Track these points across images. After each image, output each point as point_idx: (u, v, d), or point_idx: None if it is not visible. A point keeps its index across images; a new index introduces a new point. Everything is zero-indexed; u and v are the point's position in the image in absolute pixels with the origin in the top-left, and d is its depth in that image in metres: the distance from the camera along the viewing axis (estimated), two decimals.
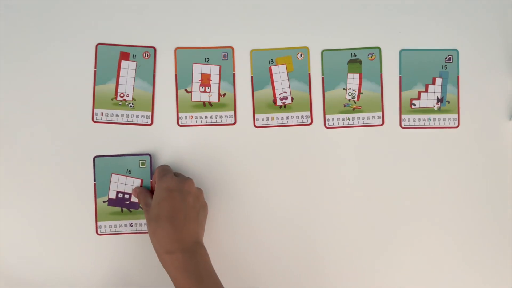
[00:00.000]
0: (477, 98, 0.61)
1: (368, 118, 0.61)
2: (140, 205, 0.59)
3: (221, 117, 0.61)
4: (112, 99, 0.60)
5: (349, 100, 0.61)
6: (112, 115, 0.60)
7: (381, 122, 0.61)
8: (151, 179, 0.60)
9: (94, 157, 0.60)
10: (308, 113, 0.61)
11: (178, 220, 0.52)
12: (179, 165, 0.60)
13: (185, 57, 0.60)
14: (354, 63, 0.61)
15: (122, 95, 0.60)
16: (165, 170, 0.56)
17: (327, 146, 0.61)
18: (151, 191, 0.59)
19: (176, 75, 0.61)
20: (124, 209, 0.60)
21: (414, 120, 0.61)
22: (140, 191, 0.59)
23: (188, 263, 0.51)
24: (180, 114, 0.60)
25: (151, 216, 0.53)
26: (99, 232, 0.60)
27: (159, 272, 0.60)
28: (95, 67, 0.60)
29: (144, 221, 0.60)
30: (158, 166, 0.58)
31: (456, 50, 0.61)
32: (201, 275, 0.51)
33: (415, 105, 0.61)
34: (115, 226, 0.60)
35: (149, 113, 0.60)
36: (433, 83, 0.61)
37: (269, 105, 0.61)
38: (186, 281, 0.50)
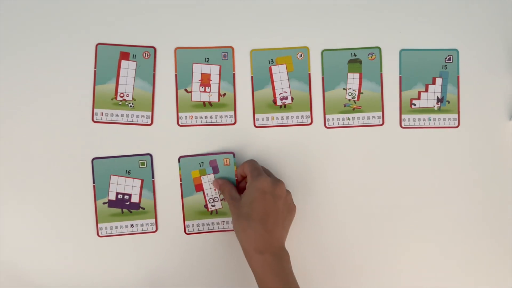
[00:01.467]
0: (477, 98, 0.61)
1: (368, 118, 0.61)
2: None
3: (221, 117, 0.61)
4: (112, 99, 0.60)
5: (349, 100, 0.61)
6: (112, 115, 0.60)
7: (381, 122, 0.61)
8: (153, 178, 0.60)
9: (92, 159, 0.59)
10: (308, 113, 0.61)
11: (268, 223, 0.53)
12: (178, 166, 0.60)
13: (185, 57, 0.60)
14: (354, 63, 0.61)
15: (122, 95, 0.60)
16: (258, 169, 0.56)
17: (327, 146, 0.61)
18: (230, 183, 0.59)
19: (176, 75, 0.60)
20: (125, 210, 0.60)
21: (414, 120, 0.61)
22: (224, 183, 0.58)
23: (276, 266, 0.51)
24: (180, 114, 0.60)
25: (242, 213, 0.54)
26: (100, 234, 0.60)
27: (160, 273, 0.60)
28: (95, 67, 0.60)
29: (144, 221, 0.60)
30: (248, 161, 0.58)
31: (456, 50, 0.61)
32: (288, 279, 0.52)
33: (415, 105, 0.61)
34: (116, 227, 0.60)
35: (149, 113, 0.60)
36: (433, 83, 0.61)
37: (269, 105, 0.61)
38: (274, 283, 0.51)
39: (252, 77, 0.61)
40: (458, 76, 0.61)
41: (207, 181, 0.60)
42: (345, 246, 0.61)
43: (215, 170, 0.60)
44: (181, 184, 0.60)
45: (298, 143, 0.61)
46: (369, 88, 0.61)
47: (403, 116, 0.61)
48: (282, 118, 0.61)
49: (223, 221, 0.60)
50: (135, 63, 0.60)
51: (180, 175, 0.60)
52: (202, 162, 0.60)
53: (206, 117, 0.61)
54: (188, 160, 0.60)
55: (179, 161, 0.60)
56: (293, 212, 0.57)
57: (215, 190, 0.60)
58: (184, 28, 0.60)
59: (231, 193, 0.57)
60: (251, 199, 0.53)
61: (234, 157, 0.60)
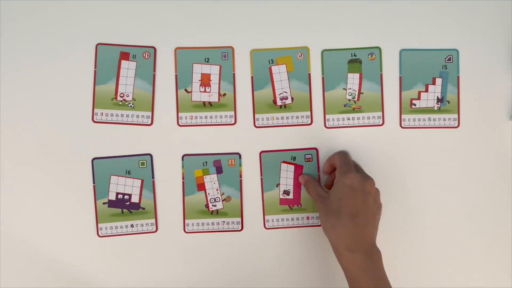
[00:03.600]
0: (477, 98, 0.61)
1: (368, 118, 0.61)
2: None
3: (221, 117, 0.61)
4: (112, 99, 0.60)
5: (349, 100, 0.61)
6: (112, 115, 0.60)
7: (381, 122, 0.61)
8: (153, 178, 0.60)
9: (92, 159, 0.59)
10: (308, 113, 0.61)
11: (359, 220, 0.51)
12: (179, 165, 0.60)
13: (185, 57, 0.60)
14: (354, 63, 0.61)
15: (122, 95, 0.60)
16: (348, 164, 0.55)
17: (327, 146, 0.61)
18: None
19: (176, 75, 0.60)
20: (125, 210, 0.60)
21: (414, 120, 0.61)
22: (309, 179, 0.58)
23: (368, 264, 0.51)
24: (180, 114, 0.60)
25: (331, 210, 0.53)
26: (100, 234, 0.60)
27: (160, 273, 0.60)
28: (95, 67, 0.60)
29: (144, 221, 0.60)
30: (338, 153, 0.57)
31: (456, 50, 0.61)
32: (380, 278, 0.51)
33: (415, 105, 0.61)
34: (116, 227, 0.60)
35: (149, 113, 0.60)
36: (433, 83, 0.61)
37: (269, 105, 0.61)
38: (366, 281, 0.50)
39: (252, 77, 0.61)
40: (458, 76, 0.61)
41: (210, 180, 0.60)
42: None
43: (219, 170, 0.60)
44: (183, 182, 0.60)
45: (298, 143, 0.61)
46: (369, 88, 0.61)
47: (403, 116, 0.61)
48: (282, 118, 0.61)
49: (223, 221, 0.61)
50: (135, 63, 0.60)
51: (182, 173, 0.60)
52: (206, 162, 0.60)
53: (206, 117, 0.61)
54: (192, 159, 0.60)
55: (182, 160, 0.60)
56: (380, 210, 0.55)
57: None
58: (184, 28, 0.60)
59: (317, 190, 0.56)
60: (340, 196, 0.52)
61: (240, 158, 0.60)
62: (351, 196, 0.52)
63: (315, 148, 0.60)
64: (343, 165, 0.55)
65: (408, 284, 0.61)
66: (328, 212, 0.53)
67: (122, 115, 0.60)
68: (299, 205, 0.61)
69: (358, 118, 0.61)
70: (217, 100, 0.61)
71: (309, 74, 0.61)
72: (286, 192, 0.61)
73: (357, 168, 0.57)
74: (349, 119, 0.61)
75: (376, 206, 0.54)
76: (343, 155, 0.56)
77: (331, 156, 0.58)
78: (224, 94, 0.61)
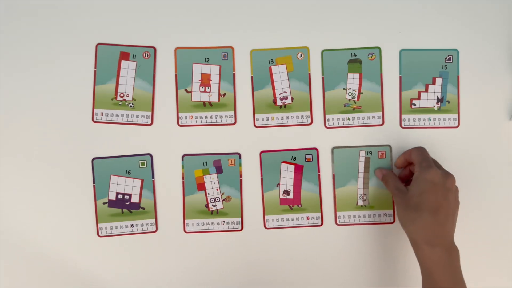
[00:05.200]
0: (477, 98, 0.61)
1: (368, 118, 0.61)
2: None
3: (221, 117, 0.61)
4: (112, 99, 0.60)
5: (349, 100, 0.61)
6: (112, 115, 0.60)
7: (381, 122, 0.61)
8: (153, 178, 0.60)
9: (93, 159, 0.60)
10: (308, 113, 0.61)
11: (440, 215, 0.51)
12: (179, 165, 0.60)
13: (185, 57, 0.60)
14: (354, 63, 0.61)
15: (122, 95, 0.60)
16: (428, 160, 0.54)
17: (327, 146, 0.61)
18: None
19: (176, 75, 0.60)
20: (125, 210, 0.60)
21: (414, 120, 0.61)
22: (388, 173, 0.58)
23: (447, 260, 0.51)
24: (180, 114, 0.60)
25: (410, 204, 0.53)
26: (100, 234, 0.60)
27: (160, 273, 0.60)
28: (95, 67, 0.60)
29: (144, 221, 0.60)
30: (416, 149, 0.57)
31: (456, 50, 0.61)
32: (458, 276, 0.51)
33: (415, 105, 0.61)
34: (116, 227, 0.60)
35: (149, 113, 0.60)
36: (433, 83, 0.61)
37: (269, 105, 0.61)
38: (445, 277, 0.50)
39: (252, 77, 0.61)
40: (458, 76, 0.61)
41: (210, 180, 0.60)
42: (344, 247, 0.61)
43: (219, 170, 0.60)
44: (183, 182, 0.60)
45: (298, 143, 0.61)
46: (369, 88, 0.61)
47: (403, 116, 0.61)
48: (282, 118, 0.61)
49: (223, 221, 0.61)
50: (135, 63, 0.60)
51: (182, 173, 0.60)
52: (206, 162, 0.60)
53: (206, 117, 0.61)
54: (192, 159, 0.60)
55: (182, 159, 0.60)
56: (458, 207, 0.55)
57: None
58: (184, 28, 0.60)
59: (396, 184, 0.56)
60: (421, 191, 0.52)
61: (240, 158, 0.60)
62: (432, 191, 0.52)
63: (315, 148, 0.60)
64: (423, 160, 0.54)
65: (408, 284, 0.61)
66: (408, 206, 0.53)
67: (122, 115, 0.60)
68: (299, 205, 0.61)
69: (358, 118, 0.61)
70: (217, 100, 0.61)
71: (309, 74, 0.61)
72: (286, 192, 0.61)
73: (436, 165, 0.56)
74: (349, 119, 0.61)
75: (456, 203, 0.54)
76: (422, 151, 0.56)
77: (407, 151, 0.58)
78: (224, 94, 0.61)
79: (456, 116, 0.61)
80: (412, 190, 0.53)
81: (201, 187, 0.60)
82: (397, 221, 0.61)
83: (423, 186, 0.52)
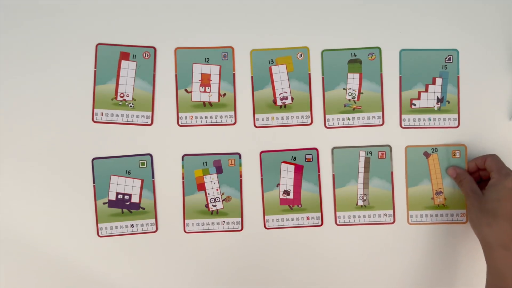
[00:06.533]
0: (477, 98, 0.61)
1: (368, 118, 0.61)
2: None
3: (221, 117, 0.61)
4: (112, 99, 0.60)
5: (349, 100, 0.61)
6: (112, 115, 0.60)
7: (381, 122, 0.61)
8: (153, 178, 0.60)
9: (93, 159, 0.60)
10: (308, 113, 0.61)
11: None
12: (179, 165, 0.60)
13: (185, 57, 0.60)
14: (354, 63, 0.61)
15: (122, 95, 0.60)
16: (506, 168, 0.56)
17: (327, 146, 0.61)
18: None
19: (176, 75, 0.60)
20: (125, 210, 0.60)
21: (414, 120, 0.61)
22: (463, 173, 0.59)
23: None
24: (180, 114, 0.60)
25: (486, 208, 0.54)
26: (100, 234, 0.60)
27: (161, 272, 0.60)
28: (95, 67, 0.60)
29: (144, 221, 0.60)
30: (492, 156, 0.57)
31: (456, 50, 0.61)
32: None
33: (415, 105, 0.61)
34: (116, 227, 0.60)
35: (149, 113, 0.60)
36: (433, 83, 0.61)
37: (269, 105, 0.61)
38: None
39: (252, 77, 0.61)
40: (458, 76, 0.61)
41: (210, 180, 0.60)
42: (344, 247, 0.61)
43: (219, 170, 0.60)
44: (183, 182, 0.60)
45: (298, 143, 0.61)
46: (369, 88, 0.61)
47: (403, 116, 0.61)
48: (282, 118, 0.61)
49: (223, 222, 0.61)
50: (135, 63, 0.60)
51: (182, 173, 0.60)
52: (206, 162, 0.60)
53: (206, 117, 0.61)
54: (192, 159, 0.60)
55: (182, 160, 0.60)
56: None
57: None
58: (184, 28, 0.60)
59: (471, 186, 0.57)
60: (499, 197, 0.53)
61: (240, 158, 0.60)
62: (511, 199, 0.53)
63: (315, 148, 0.60)
64: (502, 167, 0.56)
65: (408, 283, 0.61)
66: (483, 210, 0.54)
67: (122, 115, 0.60)
68: (299, 205, 0.61)
69: (358, 118, 0.61)
70: (217, 100, 0.61)
71: (309, 74, 0.61)
72: (286, 192, 0.61)
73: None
74: (349, 119, 0.61)
75: None
76: (498, 158, 0.57)
77: (480, 157, 0.58)
78: (224, 94, 0.61)
79: (456, 116, 0.61)
80: (489, 195, 0.54)
81: (201, 187, 0.60)
82: (397, 221, 0.61)
83: (502, 193, 0.53)
